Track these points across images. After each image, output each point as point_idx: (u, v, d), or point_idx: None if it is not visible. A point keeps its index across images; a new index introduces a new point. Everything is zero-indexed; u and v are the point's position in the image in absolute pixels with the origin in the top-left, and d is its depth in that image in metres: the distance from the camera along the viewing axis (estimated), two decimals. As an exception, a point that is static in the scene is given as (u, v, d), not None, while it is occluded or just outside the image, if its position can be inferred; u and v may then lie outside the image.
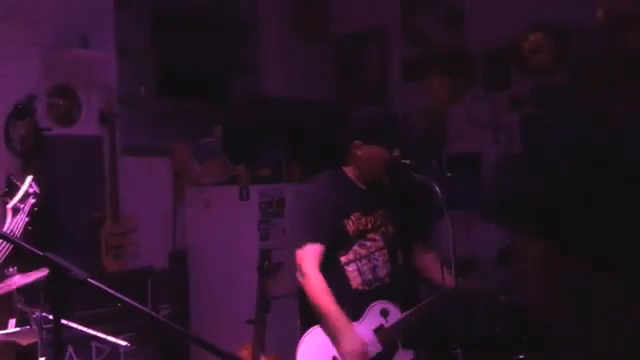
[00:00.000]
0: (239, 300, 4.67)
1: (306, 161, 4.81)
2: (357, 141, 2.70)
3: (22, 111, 4.00)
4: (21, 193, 1.65)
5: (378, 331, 2.65)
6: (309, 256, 2.61)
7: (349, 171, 2.79)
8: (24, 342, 2.77)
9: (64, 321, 2.65)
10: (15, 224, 1.61)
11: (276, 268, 4.37)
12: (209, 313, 4.93)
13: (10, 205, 1.63)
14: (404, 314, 2.67)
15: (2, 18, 4.06)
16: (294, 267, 2.68)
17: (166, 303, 4.60)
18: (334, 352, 2.56)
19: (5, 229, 1.60)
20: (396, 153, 2.65)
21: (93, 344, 3.06)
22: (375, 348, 2.62)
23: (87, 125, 4.46)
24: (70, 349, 2.82)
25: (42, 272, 1.80)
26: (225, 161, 4.85)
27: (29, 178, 1.68)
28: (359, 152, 2.71)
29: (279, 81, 5.57)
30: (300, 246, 2.63)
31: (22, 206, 1.66)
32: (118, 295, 1.30)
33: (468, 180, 4.91)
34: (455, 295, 2.48)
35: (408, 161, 2.61)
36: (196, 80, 5.18)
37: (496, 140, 4.97)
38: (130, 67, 4.82)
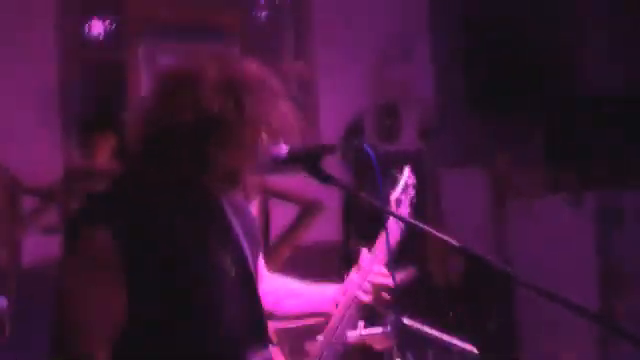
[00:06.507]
0: (574, 320, 4.26)
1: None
2: None
3: (355, 129, 4.20)
4: (402, 184, 1.59)
5: None
6: None
7: None
8: (378, 346, 2.77)
9: (418, 324, 2.61)
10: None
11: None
12: (540, 330, 4.60)
13: (393, 197, 1.58)
14: None
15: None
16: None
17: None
18: None
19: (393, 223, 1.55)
20: None
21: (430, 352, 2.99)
22: None
23: (407, 140, 4.51)
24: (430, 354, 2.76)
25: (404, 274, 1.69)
26: (549, 167, 4.53)
27: (407, 169, 1.62)
28: None
29: (605, 78, 5.04)
30: None
31: (403, 198, 1.60)
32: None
33: None
34: None
35: None
36: (515, 87, 4.90)
37: None
38: (444, 79, 4.78)
